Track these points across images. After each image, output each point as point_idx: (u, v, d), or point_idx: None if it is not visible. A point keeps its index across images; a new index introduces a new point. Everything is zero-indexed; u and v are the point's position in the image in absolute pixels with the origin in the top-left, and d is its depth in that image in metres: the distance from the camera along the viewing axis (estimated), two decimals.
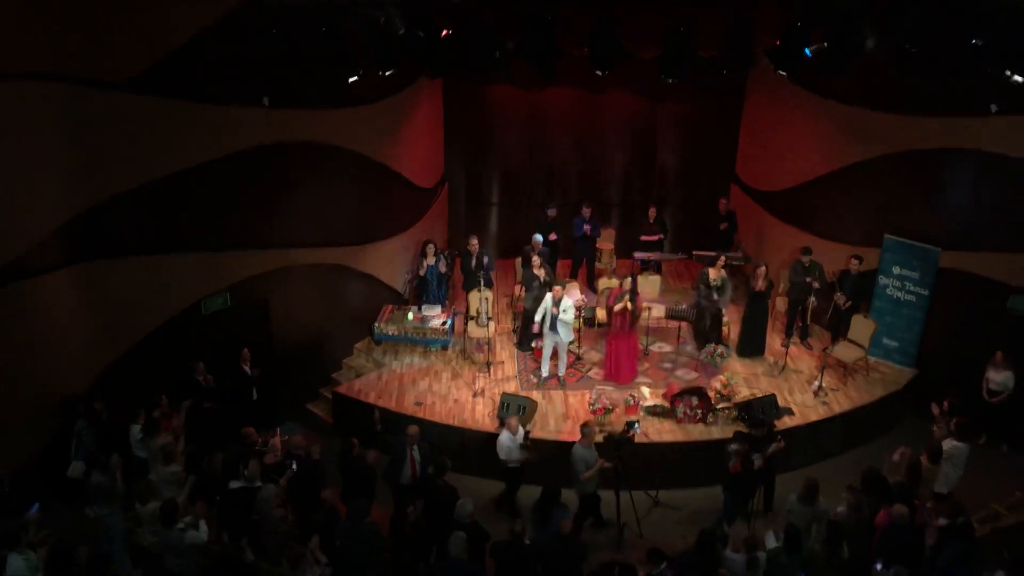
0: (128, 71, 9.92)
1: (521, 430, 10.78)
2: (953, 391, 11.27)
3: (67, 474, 9.94)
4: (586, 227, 15.03)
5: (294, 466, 9.70)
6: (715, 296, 13.03)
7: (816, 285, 13.13)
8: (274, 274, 12.17)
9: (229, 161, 11.06)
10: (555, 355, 12.73)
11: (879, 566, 8.06)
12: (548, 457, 11.29)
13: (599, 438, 10.72)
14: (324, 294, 13.02)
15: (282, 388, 12.59)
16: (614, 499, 10.58)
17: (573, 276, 15.44)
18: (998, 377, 11.81)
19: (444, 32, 10.88)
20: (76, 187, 9.99)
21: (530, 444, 10.73)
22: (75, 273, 10.24)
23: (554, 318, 12.14)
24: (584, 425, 10.57)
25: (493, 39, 10.61)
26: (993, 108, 11.31)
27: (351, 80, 10.77)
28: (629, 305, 12.28)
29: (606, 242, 15.83)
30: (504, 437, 10.66)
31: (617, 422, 11.39)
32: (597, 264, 15.72)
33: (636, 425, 11.01)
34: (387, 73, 10.79)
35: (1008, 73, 9.70)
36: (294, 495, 9.50)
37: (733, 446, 10.18)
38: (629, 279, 12.53)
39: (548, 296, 12.20)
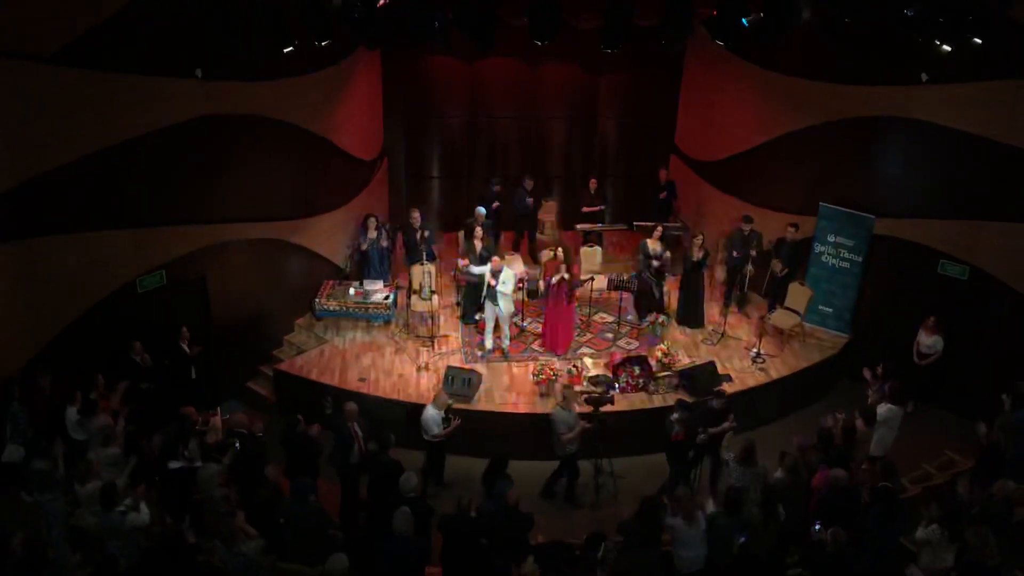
0: (56, 42, 9.57)
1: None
2: (886, 356, 11.58)
3: (1, 459, 9.69)
4: (529, 199, 15.03)
5: (237, 445, 9.59)
6: (655, 264, 13.16)
7: (753, 253, 13.31)
8: (211, 250, 11.95)
9: (163, 135, 10.79)
10: (498, 327, 12.76)
11: (818, 527, 8.26)
12: (492, 428, 11.42)
13: (580, 400, 10.91)
14: (263, 270, 12.82)
15: (222, 366, 12.41)
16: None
17: (515, 248, 15.45)
18: (928, 340, 12.15)
19: (381, 2, 10.70)
20: (3, 164, 9.64)
21: (453, 417, 10.77)
22: (4, 253, 9.92)
23: (492, 290, 12.14)
24: (565, 387, 10.74)
25: (431, 9, 10.46)
26: (924, 77, 11.54)
27: (286, 51, 10.56)
28: (566, 275, 12.33)
29: (548, 214, 15.84)
30: (432, 411, 10.64)
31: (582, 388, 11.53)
32: (540, 236, 15.73)
33: (616, 387, 11.15)
34: (323, 44, 10.60)
35: (937, 43, 9.89)
36: (238, 474, 9.40)
37: (675, 415, 10.33)
38: (560, 250, 12.56)
39: (487, 267, 12.19)
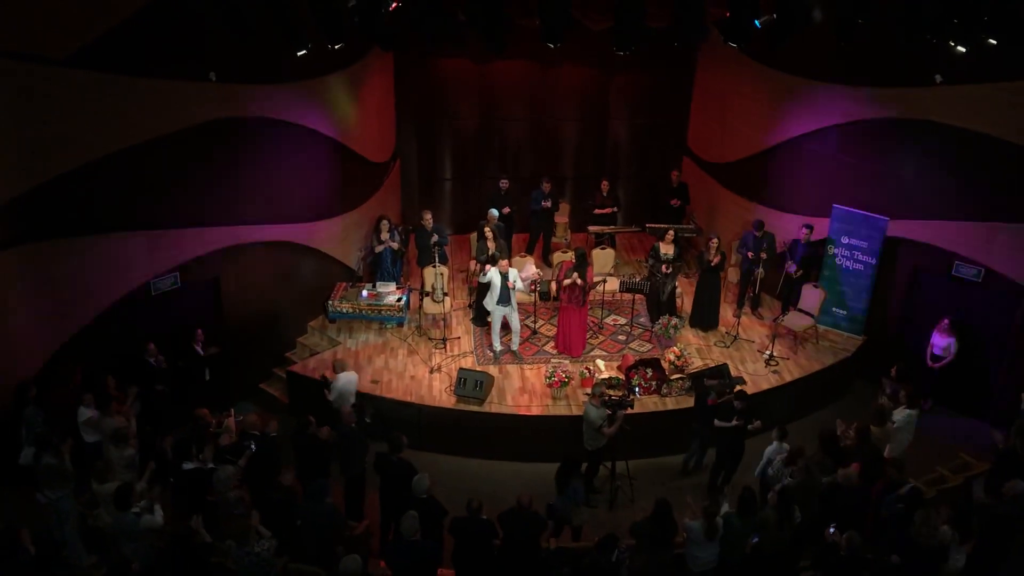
0: (70, 45, 9.61)
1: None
2: (900, 358, 11.53)
3: (19, 462, 9.74)
4: (545, 202, 15.00)
5: (252, 447, 9.61)
6: (667, 268, 13.15)
7: (764, 256, 13.27)
8: (224, 253, 11.99)
9: (176, 137, 10.82)
10: (507, 329, 12.77)
11: (832, 529, 8.25)
12: (504, 430, 11.42)
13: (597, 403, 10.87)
14: (276, 272, 12.86)
15: (235, 368, 12.44)
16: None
17: (529, 250, 15.42)
18: (942, 343, 12.08)
19: (394, 4, 10.73)
20: (18, 166, 9.69)
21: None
22: (19, 255, 9.98)
23: (507, 291, 12.16)
24: (594, 385, 10.83)
25: (443, 11, 10.48)
26: (938, 79, 11.48)
27: (300, 54, 10.60)
28: (579, 280, 12.31)
29: (561, 216, 15.84)
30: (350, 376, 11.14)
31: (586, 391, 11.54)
32: (553, 238, 15.73)
33: (637, 390, 11.25)
34: (336, 47, 10.63)
35: (952, 44, 9.85)
36: (251, 475, 9.42)
37: (710, 381, 10.55)
38: (575, 254, 12.56)
39: (495, 271, 12.17)
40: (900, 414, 10.30)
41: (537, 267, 14.23)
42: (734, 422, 10.43)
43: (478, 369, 12.26)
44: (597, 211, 15.32)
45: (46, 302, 10.36)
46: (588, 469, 10.99)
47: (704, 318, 13.62)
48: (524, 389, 12.17)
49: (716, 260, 13.16)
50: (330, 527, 8.62)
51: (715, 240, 13.28)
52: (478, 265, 13.31)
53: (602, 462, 10.96)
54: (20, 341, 10.19)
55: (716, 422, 10.53)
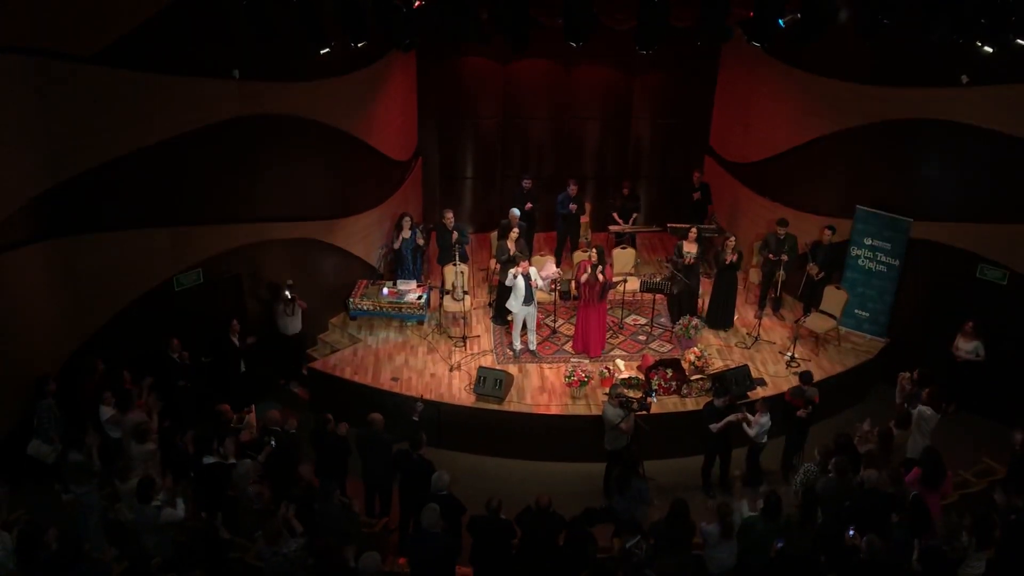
0: (97, 43, 9.73)
1: None
2: (923, 361, 11.42)
3: (27, 451, 9.83)
4: (572, 205, 14.91)
5: (272, 442, 9.67)
6: (689, 261, 13.10)
7: (785, 257, 13.18)
8: (247, 249, 12.07)
9: (200, 134, 10.92)
10: (526, 329, 12.80)
11: (851, 532, 8.19)
12: (523, 429, 11.42)
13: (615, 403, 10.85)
14: (298, 269, 12.91)
15: (257, 364, 12.51)
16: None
17: (557, 253, 15.36)
18: (967, 346, 11.95)
19: (417, 3, 10.75)
20: (44, 162, 9.81)
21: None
22: (44, 250, 10.09)
23: (531, 292, 12.17)
24: (612, 386, 10.89)
25: (466, 10, 10.48)
26: (964, 79, 11.37)
27: (323, 52, 10.64)
28: (600, 277, 12.29)
29: (583, 215, 15.80)
30: None
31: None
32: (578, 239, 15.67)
33: (653, 394, 11.32)
34: (359, 45, 10.66)
35: (979, 44, 9.75)
36: (271, 471, 9.47)
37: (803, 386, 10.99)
38: (595, 251, 12.54)
39: (519, 273, 12.18)
40: (919, 411, 10.20)
41: (559, 267, 14.19)
42: (725, 420, 10.55)
43: (498, 368, 12.27)
44: (615, 215, 15.24)
45: (70, 297, 10.48)
46: (608, 469, 10.98)
47: (720, 318, 13.56)
48: (543, 388, 12.17)
49: (733, 259, 13.09)
50: (346, 522, 8.66)
51: (732, 239, 13.21)
52: (497, 264, 13.31)
53: (622, 463, 10.91)
54: (44, 336, 10.30)
55: (712, 426, 10.57)
